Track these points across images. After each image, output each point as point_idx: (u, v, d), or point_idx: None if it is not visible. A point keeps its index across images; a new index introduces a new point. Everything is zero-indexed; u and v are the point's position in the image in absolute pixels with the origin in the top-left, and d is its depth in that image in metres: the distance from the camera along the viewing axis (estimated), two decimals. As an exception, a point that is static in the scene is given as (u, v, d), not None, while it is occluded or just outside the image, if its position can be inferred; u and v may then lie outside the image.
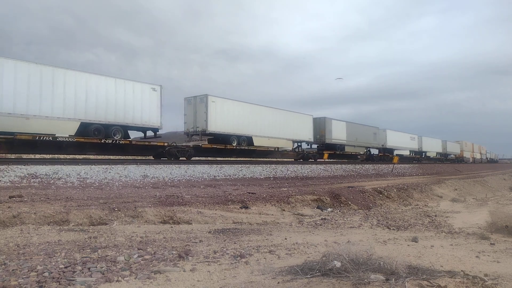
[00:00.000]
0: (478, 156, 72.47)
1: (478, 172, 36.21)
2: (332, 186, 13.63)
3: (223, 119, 21.78)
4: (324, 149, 31.55)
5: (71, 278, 3.26)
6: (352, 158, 35.37)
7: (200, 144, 20.98)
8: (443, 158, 55.78)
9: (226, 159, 22.81)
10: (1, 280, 3.13)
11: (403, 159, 43.01)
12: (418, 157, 48.38)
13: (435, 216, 9.84)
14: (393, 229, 7.43)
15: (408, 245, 5.31)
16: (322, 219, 8.62)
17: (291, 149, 28.05)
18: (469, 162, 62.63)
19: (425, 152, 50.08)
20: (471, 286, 2.97)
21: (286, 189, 12.23)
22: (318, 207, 10.28)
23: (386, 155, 39.71)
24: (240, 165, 18.99)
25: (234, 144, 22.78)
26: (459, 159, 61.17)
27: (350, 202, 11.33)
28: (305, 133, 28.78)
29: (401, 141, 43.02)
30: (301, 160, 28.56)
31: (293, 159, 28.48)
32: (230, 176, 16.43)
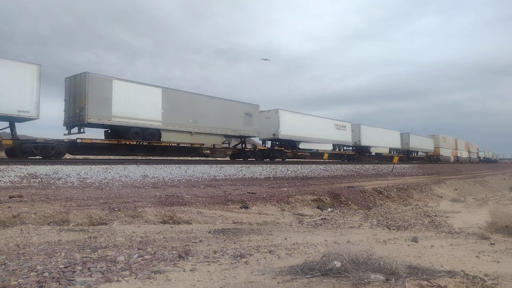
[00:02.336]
0: (464, 154, 60.85)
1: (478, 172, 36.33)
2: (332, 186, 13.63)
3: None
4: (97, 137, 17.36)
5: (71, 278, 3.26)
6: (183, 153, 20.27)
7: None
8: (404, 156, 42.34)
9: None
10: (1, 280, 3.13)
11: (315, 154, 29.50)
12: (353, 154, 34.64)
13: (435, 216, 9.84)
14: (393, 229, 7.43)
15: (408, 245, 5.31)
16: (322, 219, 8.62)
17: None
18: (450, 162, 50.51)
19: (368, 147, 36.30)
20: (471, 286, 2.97)
21: (286, 189, 12.23)
22: (318, 207, 10.27)
23: (280, 149, 26.35)
24: (240, 165, 19.13)
25: None
26: (432, 158, 48.44)
27: (350, 202, 11.32)
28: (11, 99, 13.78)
29: (312, 131, 28.33)
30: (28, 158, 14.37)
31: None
32: (230, 176, 16.46)
